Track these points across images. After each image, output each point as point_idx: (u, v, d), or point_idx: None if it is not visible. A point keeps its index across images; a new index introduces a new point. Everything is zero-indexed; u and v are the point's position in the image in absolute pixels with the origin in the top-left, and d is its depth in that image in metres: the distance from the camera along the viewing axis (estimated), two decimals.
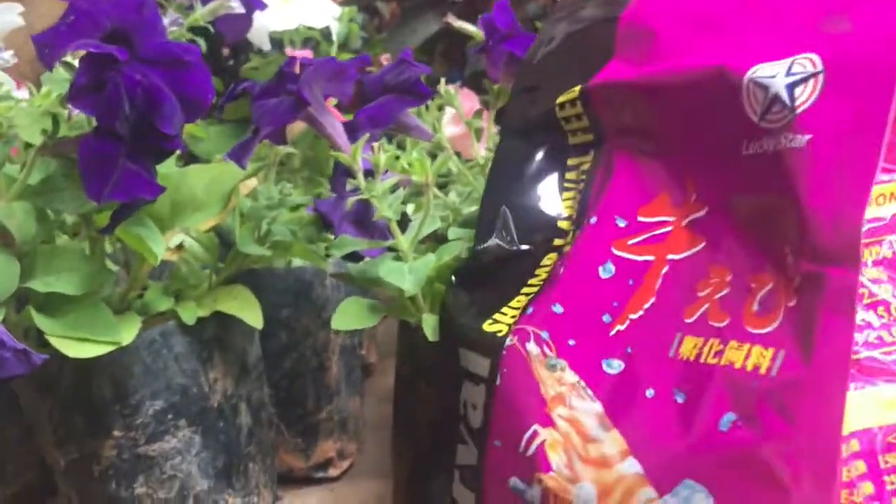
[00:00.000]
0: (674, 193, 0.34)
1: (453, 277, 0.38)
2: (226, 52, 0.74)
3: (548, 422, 0.32)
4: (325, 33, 0.68)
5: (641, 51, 0.36)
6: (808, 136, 0.29)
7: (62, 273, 0.40)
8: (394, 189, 0.47)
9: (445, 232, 0.49)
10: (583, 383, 0.32)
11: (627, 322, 0.33)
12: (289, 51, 0.60)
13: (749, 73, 0.31)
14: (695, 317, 0.32)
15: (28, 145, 0.40)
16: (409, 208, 0.54)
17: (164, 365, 0.43)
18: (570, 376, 0.32)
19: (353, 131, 0.44)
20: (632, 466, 0.30)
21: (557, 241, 0.36)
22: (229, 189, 0.44)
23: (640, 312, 0.33)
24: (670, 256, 0.33)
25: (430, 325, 0.41)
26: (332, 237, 0.49)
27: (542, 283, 0.35)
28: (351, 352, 0.60)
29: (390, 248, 0.46)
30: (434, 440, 0.39)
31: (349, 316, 0.44)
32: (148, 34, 0.38)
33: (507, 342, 0.34)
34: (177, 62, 0.38)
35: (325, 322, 0.57)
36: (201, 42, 0.54)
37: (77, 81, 0.35)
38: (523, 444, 0.32)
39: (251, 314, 0.45)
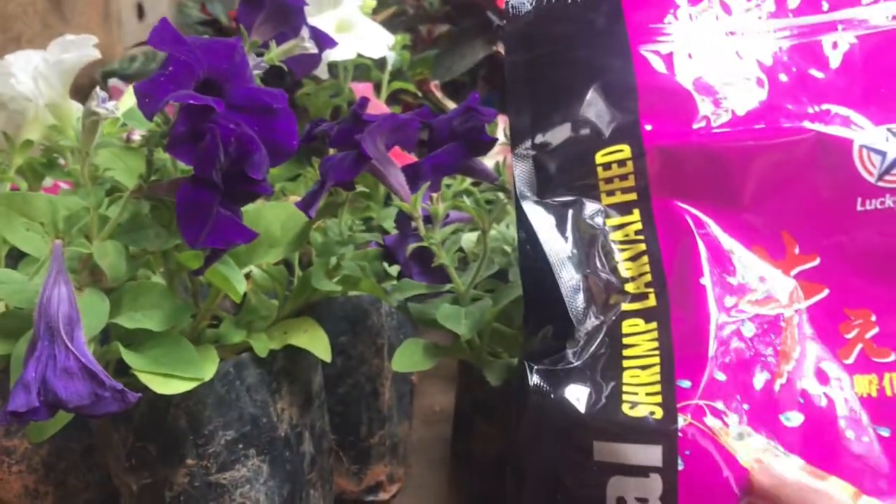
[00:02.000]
0: (769, 247, 0.36)
1: (531, 370, 0.36)
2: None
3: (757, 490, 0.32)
4: (378, 61, 0.69)
5: (686, 111, 0.37)
6: None
7: (147, 310, 0.41)
8: (453, 232, 0.48)
9: (507, 268, 0.51)
10: (773, 443, 0.33)
11: (786, 375, 0.34)
12: (353, 85, 0.61)
13: (858, 140, 0.35)
14: (853, 357, 0.35)
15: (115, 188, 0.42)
16: (472, 237, 0.55)
17: (236, 396, 0.45)
18: (759, 440, 0.33)
19: (416, 178, 0.45)
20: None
21: (629, 306, 0.36)
22: (305, 227, 0.45)
23: (793, 363, 0.34)
24: (797, 306, 0.35)
25: (493, 371, 0.43)
26: (396, 271, 0.51)
27: (650, 352, 0.34)
28: (402, 378, 0.61)
29: (450, 290, 0.47)
30: None
31: (409, 358, 0.46)
32: (239, 81, 0.40)
33: (680, 423, 0.33)
34: (266, 109, 0.39)
35: (379, 349, 0.58)
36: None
37: (176, 131, 0.37)
38: None
39: (321, 347, 0.46)
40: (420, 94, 0.74)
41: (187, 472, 0.44)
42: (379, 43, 0.64)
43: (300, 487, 0.48)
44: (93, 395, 0.35)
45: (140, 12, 1.34)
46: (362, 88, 0.60)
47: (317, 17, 0.67)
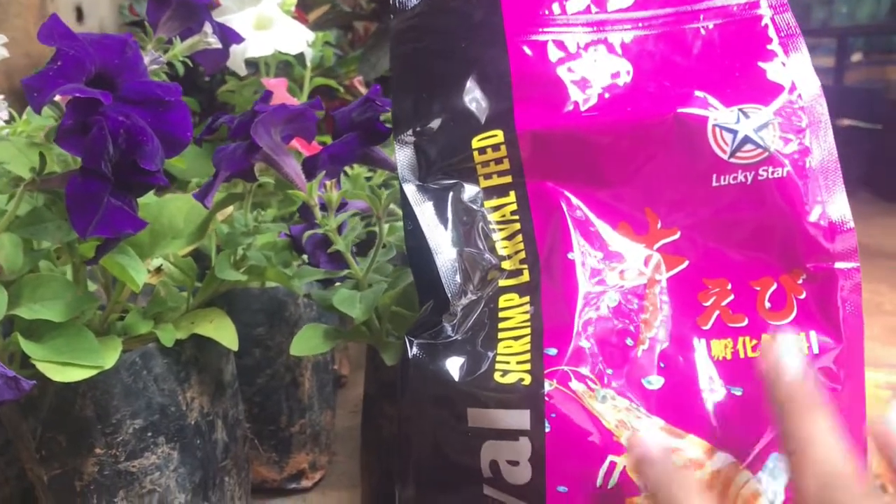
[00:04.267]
0: (633, 223, 0.38)
1: (411, 344, 0.37)
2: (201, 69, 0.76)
3: (620, 449, 0.34)
4: (300, 57, 0.70)
5: (557, 97, 0.39)
6: (787, 168, 0.36)
7: (47, 300, 0.42)
8: (353, 215, 0.49)
9: None
10: (634, 405, 0.35)
11: (647, 342, 0.36)
12: (265, 80, 0.62)
13: (711, 119, 0.36)
14: (710, 323, 0.37)
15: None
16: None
17: (143, 385, 0.45)
18: (621, 402, 0.34)
19: (314, 168, 0.46)
20: (724, 459, 0.34)
21: (505, 282, 0.37)
22: (207, 218, 0.46)
23: (654, 331, 0.36)
24: (658, 276, 0.37)
25: (389, 351, 0.44)
26: (305, 260, 0.52)
27: (522, 324, 0.36)
28: (323, 368, 0.62)
29: (349, 276, 0.48)
30: None
31: (307, 342, 0.47)
32: (131, 75, 0.41)
33: (547, 388, 0.34)
34: (159, 102, 0.40)
35: None
36: (178, 64, 0.57)
37: (63, 124, 0.37)
38: (601, 478, 0.33)
39: (227, 336, 0.47)
40: (343, 90, 0.75)
41: (96, 461, 0.45)
42: (297, 40, 0.65)
43: (213, 474, 0.49)
44: None
45: (79, 15, 1.34)
46: (275, 84, 0.61)
47: (237, 14, 0.68)
